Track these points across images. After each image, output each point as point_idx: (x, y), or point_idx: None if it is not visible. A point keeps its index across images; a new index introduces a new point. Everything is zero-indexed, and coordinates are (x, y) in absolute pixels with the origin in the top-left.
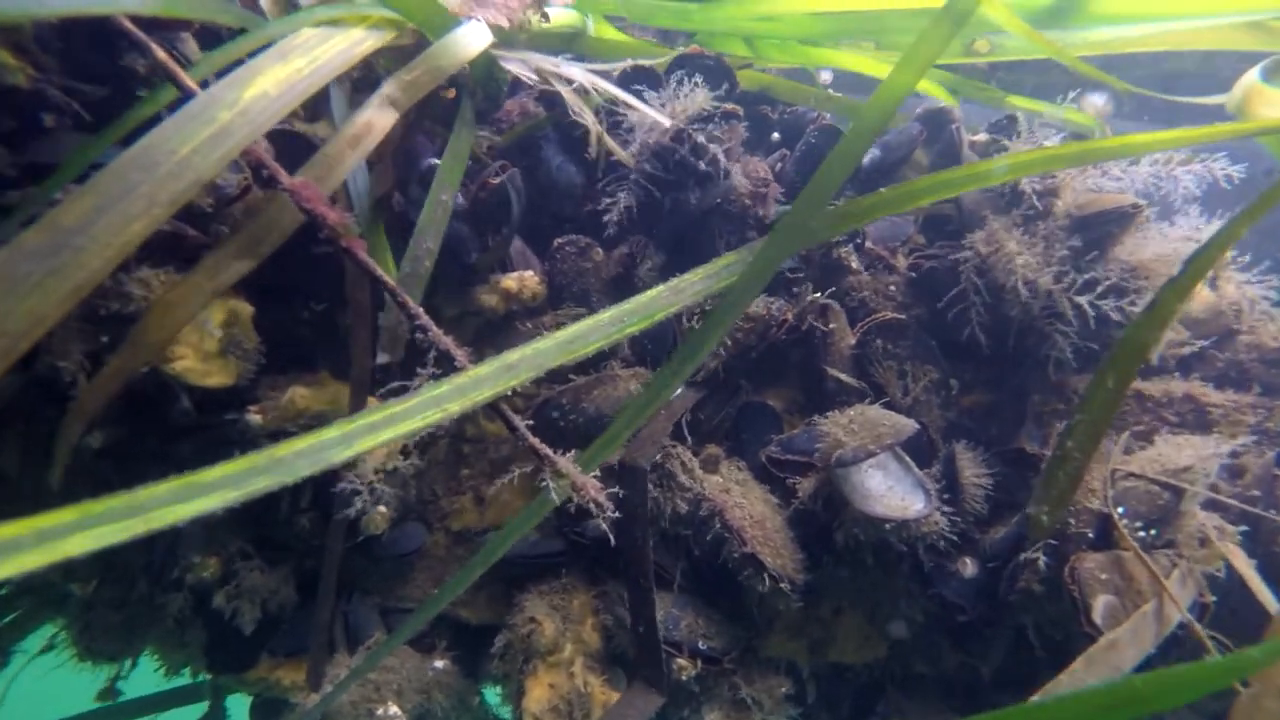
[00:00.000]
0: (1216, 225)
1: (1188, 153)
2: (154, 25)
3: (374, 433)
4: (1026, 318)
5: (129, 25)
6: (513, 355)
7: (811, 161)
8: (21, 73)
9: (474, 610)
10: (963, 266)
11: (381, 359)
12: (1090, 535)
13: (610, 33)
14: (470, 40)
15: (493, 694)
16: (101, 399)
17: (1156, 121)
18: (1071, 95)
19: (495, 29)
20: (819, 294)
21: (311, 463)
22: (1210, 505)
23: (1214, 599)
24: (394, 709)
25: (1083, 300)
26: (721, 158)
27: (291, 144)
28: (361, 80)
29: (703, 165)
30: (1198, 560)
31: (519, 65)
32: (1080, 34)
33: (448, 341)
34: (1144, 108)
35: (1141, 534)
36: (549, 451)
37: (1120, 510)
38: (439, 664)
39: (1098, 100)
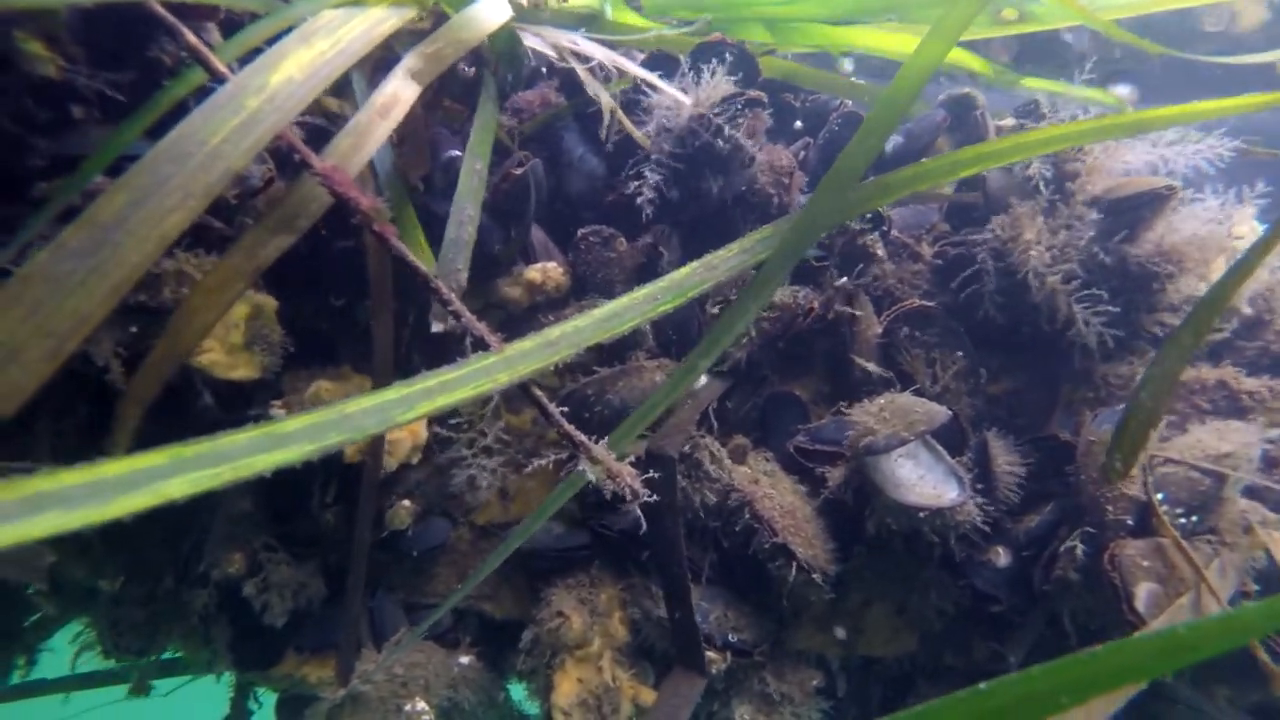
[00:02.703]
0: (1244, 204)
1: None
2: (181, 13)
3: (430, 398)
4: (1049, 304)
5: (160, 10)
6: (554, 332)
7: (835, 149)
8: (53, 64)
9: (499, 605)
10: (978, 248)
11: (436, 328)
12: (1129, 522)
13: (629, 17)
14: (490, 13)
15: (518, 689)
16: (154, 386)
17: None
18: (1082, 77)
19: (515, 3)
20: (845, 278)
21: (379, 421)
22: (1248, 493)
23: (1257, 589)
24: (421, 704)
25: (1078, 311)
26: (745, 142)
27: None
28: (381, 62)
29: (721, 144)
30: (1241, 548)
31: (538, 41)
32: None
33: (482, 328)
34: (1171, 90)
35: (1182, 521)
36: (583, 438)
37: (1161, 497)
38: (465, 659)
39: (1122, 90)
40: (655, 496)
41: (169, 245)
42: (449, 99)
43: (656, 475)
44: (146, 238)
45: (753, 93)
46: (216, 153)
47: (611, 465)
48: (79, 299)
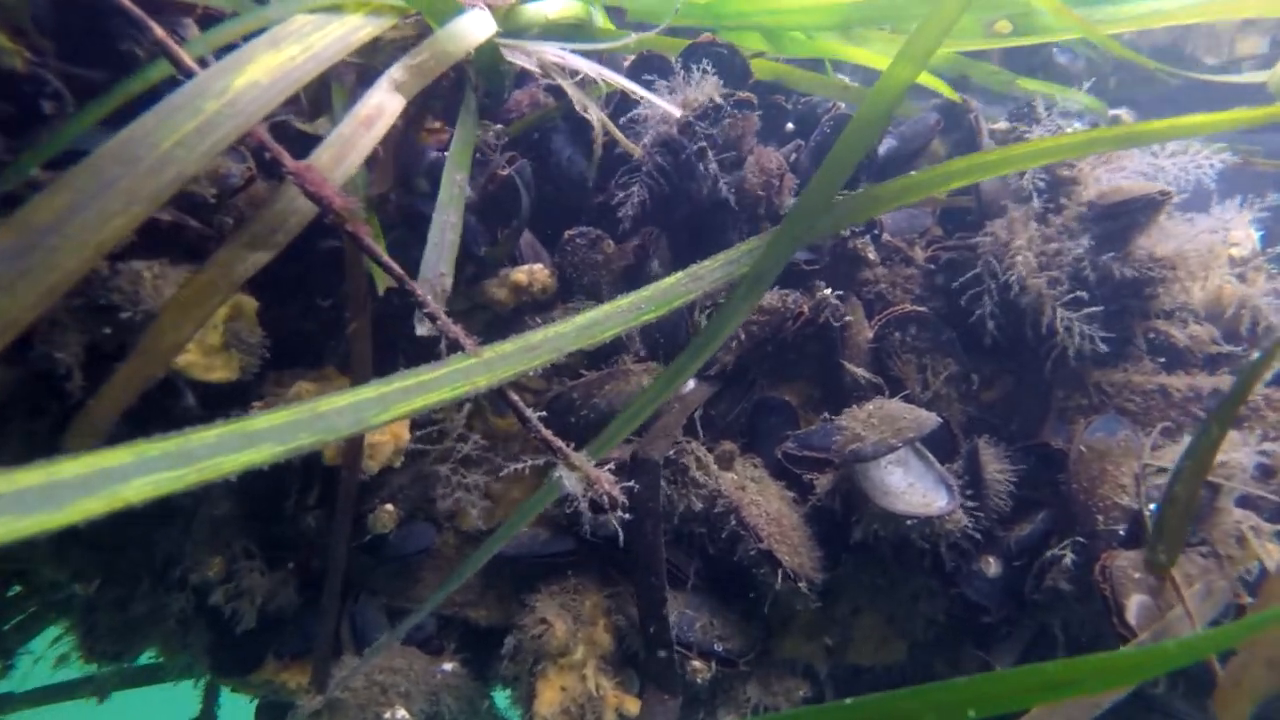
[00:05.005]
0: (1242, 212)
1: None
2: (157, 9)
3: (408, 399)
4: (1034, 309)
5: (126, 2)
6: (535, 336)
7: (827, 152)
8: (19, 56)
9: (483, 611)
10: (980, 250)
11: (421, 330)
12: (1121, 533)
13: (614, 28)
14: (474, 27)
15: (502, 697)
16: (115, 410)
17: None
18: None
19: (498, 16)
20: (834, 290)
21: (353, 422)
22: (1242, 502)
23: (1251, 601)
24: (401, 712)
25: (1062, 314)
26: (714, 167)
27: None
28: (365, 74)
29: (703, 168)
30: (1234, 559)
31: (523, 56)
32: (1110, 9)
33: (457, 330)
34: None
35: None
36: (561, 444)
37: (1153, 508)
38: (448, 666)
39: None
40: (635, 504)
41: (109, 251)
42: (431, 116)
43: (638, 483)
44: (84, 242)
45: (742, 94)
46: (168, 157)
47: (590, 472)
48: (5, 302)
